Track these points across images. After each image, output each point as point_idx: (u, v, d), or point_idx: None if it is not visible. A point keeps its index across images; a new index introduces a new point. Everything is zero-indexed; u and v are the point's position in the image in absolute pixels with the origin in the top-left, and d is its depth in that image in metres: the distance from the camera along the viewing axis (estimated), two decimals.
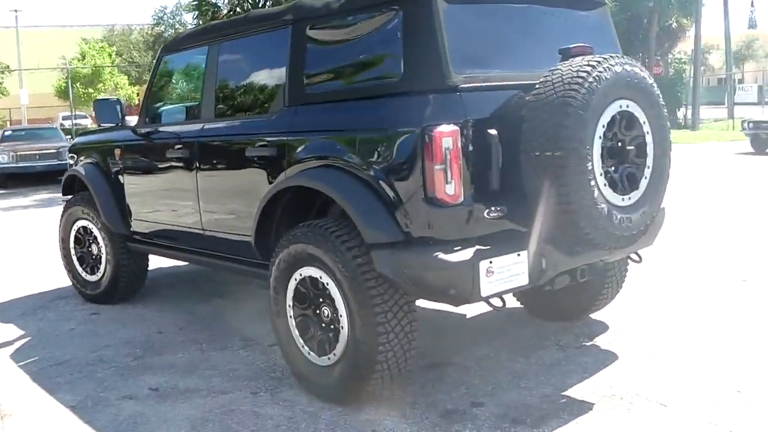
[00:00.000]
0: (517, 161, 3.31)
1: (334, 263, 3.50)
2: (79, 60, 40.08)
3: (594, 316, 4.81)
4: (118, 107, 5.29)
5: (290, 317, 3.85)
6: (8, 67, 32.96)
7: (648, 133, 3.54)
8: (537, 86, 3.33)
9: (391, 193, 3.39)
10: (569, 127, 3.19)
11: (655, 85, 3.57)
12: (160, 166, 5.03)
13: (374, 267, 3.39)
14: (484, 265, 3.28)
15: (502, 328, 4.73)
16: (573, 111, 3.20)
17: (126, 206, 5.42)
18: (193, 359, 4.51)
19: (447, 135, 3.19)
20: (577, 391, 3.69)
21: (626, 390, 3.67)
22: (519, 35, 3.70)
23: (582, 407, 3.51)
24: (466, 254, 3.25)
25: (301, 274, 3.73)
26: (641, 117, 3.51)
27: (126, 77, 39.22)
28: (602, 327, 4.63)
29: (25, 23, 44.61)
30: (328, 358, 3.68)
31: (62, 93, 40.54)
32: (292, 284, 3.80)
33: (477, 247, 3.30)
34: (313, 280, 3.67)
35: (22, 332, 5.30)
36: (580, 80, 3.25)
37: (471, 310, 5.11)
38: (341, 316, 3.54)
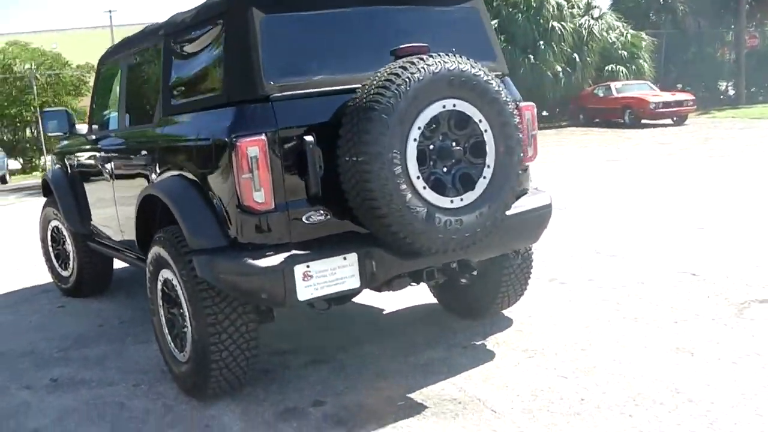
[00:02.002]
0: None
1: (176, 267, 3.65)
2: None
3: (508, 313, 4.72)
4: (66, 116, 5.63)
5: (161, 316, 4.02)
6: (94, 66, 34.51)
7: (486, 131, 3.47)
8: (357, 91, 3.34)
9: (215, 201, 3.50)
10: (371, 132, 3.19)
11: (494, 81, 3.47)
12: (94, 171, 5.32)
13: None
14: (300, 269, 3.32)
15: (408, 325, 4.73)
16: (376, 115, 3.20)
17: (84, 208, 5.75)
18: (108, 352, 4.76)
19: (252, 144, 3.26)
20: (421, 394, 3.66)
21: (472, 395, 3.61)
22: (354, 39, 3.69)
23: (412, 411, 3.49)
24: (275, 259, 3.31)
25: (163, 276, 3.89)
26: (476, 116, 3.44)
27: None
28: (504, 325, 4.54)
29: (119, 22, 46.72)
30: (183, 355, 3.83)
31: None
32: (159, 285, 3.97)
33: (292, 252, 3.35)
34: (169, 282, 3.82)
35: None
36: (387, 83, 3.24)
37: (390, 305, 5.15)
38: (186, 316, 3.69)
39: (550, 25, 25.00)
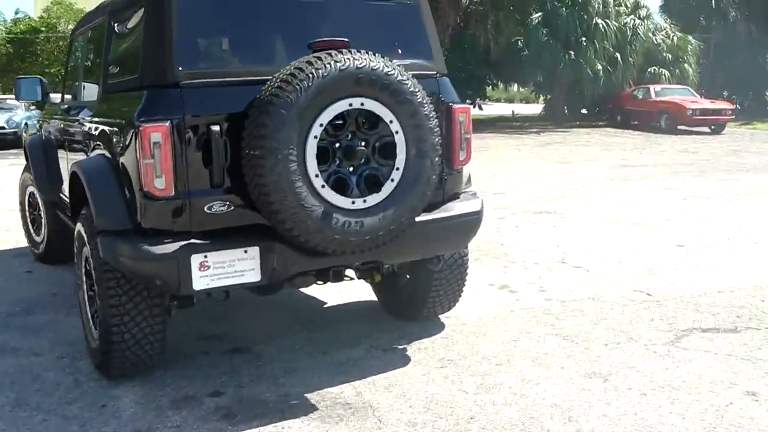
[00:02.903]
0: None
1: (89, 246, 3.68)
2: None
3: (445, 317, 4.67)
4: (38, 85, 5.69)
5: (84, 292, 4.05)
6: None
7: (397, 132, 3.41)
8: (266, 84, 3.30)
9: (125, 184, 3.50)
10: (268, 126, 3.17)
11: (409, 81, 3.40)
12: (60, 140, 5.38)
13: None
14: (196, 258, 3.32)
15: (343, 321, 4.71)
16: (274, 110, 3.17)
17: (55, 176, 5.82)
18: (49, 322, 4.83)
19: (155, 130, 3.24)
20: (318, 395, 3.64)
21: (366, 401, 3.57)
22: (276, 30, 3.65)
23: (300, 411, 3.47)
24: (171, 247, 3.30)
25: (84, 253, 3.92)
26: (386, 116, 3.38)
27: None
28: (434, 331, 4.48)
29: None
30: (96, 334, 3.86)
31: None
32: (83, 261, 4.00)
33: (190, 241, 3.34)
34: (88, 260, 3.86)
35: None
36: (290, 78, 3.20)
37: (332, 298, 5.13)
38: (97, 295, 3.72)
39: (593, 22, 24.57)
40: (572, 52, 24.49)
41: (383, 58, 3.39)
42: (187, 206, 3.36)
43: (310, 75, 3.20)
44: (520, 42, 25.83)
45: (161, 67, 3.38)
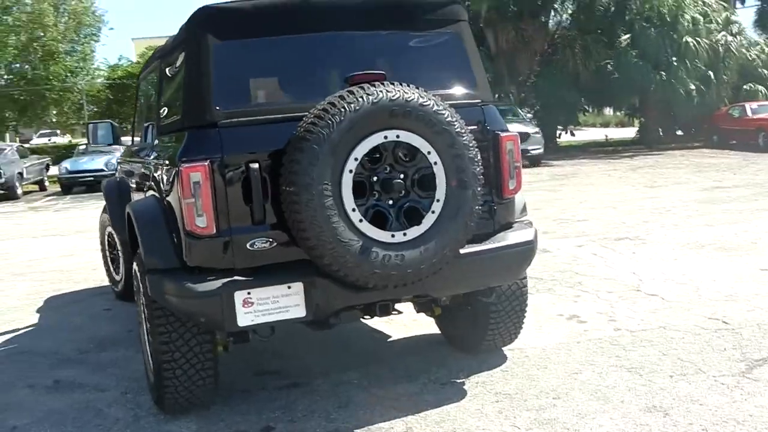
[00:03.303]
0: None
1: (141, 284, 3.78)
2: None
3: (508, 349, 4.54)
4: (110, 129, 5.91)
5: (144, 328, 4.16)
6: None
7: (435, 163, 3.36)
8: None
9: (171, 224, 3.58)
10: (301, 162, 3.19)
11: (445, 111, 3.36)
12: (130, 182, 5.58)
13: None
14: (240, 295, 3.35)
15: (403, 355, 4.65)
16: (306, 146, 3.19)
17: None
18: (119, 358, 4.98)
19: (195, 170, 3.31)
20: (368, 431, 3.58)
21: None
22: (314, 66, 3.68)
23: None
24: (214, 284, 3.35)
25: (140, 291, 4.03)
26: (424, 147, 3.35)
27: None
28: (494, 363, 4.36)
29: None
30: (151, 371, 3.95)
31: None
32: (140, 299, 4.11)
33: (234, 278, 3.38)
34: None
35: (36, 323, 6.13)
36: (322, 113, 3.22)
37: (398, 332, 5.08)
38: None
39: (683, 41, 23.85)
40: (663, 73, 23.79)
41: (419, 89, 3.36)
42: (230, 244, 3.40)
43: (342, 109, 3.21)
44: (609, 65, 25.34)
45: (200, 109, 3.46)
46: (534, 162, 19.26)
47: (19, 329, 5.94)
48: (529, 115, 23.88)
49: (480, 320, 4.34)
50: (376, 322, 5.29)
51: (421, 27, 3.89)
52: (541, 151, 19.75)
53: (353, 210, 3.26)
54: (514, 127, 18.31)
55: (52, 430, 3.87)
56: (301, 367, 4.54)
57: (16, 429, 3.90)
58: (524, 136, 19.12)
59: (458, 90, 3.86)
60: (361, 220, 3.28)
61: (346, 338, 5.04)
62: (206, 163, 3.33)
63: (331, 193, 3.20)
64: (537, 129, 20.54)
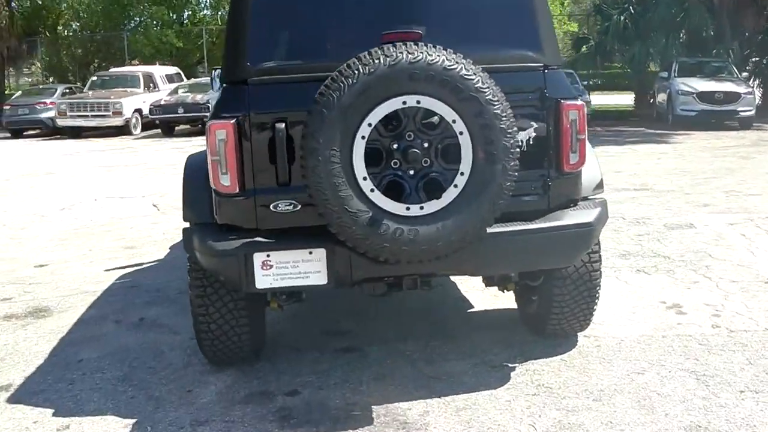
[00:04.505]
0: None
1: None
2: None
3: (583, 335, 4.19)
4: None
5: None
6: None
7: (461, 133, 3.09)
8: None
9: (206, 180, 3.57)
10: (309, 126, 3.05)
11: (475, 76, 3.05)
12: None
13: None
14: (259, 257, 3.31)
15: (475, 330, 4.42)
16: (316, 109, 3.04)
17: None
18: None
19: (220, 128, 3.28)
20: (385, 408, 3.45)
21: (424, 423, 3.30)
22: (358, 23, 3.46)
23: (354, 424, 3.33)
24: (233, 244, 3.33)
25: None
26: (448, 115, 3.08)
27: (576, 24, 39.25)
28: (559, 350, 4.02)
29: None
30: None
31: None
32: None
33: (254, 239, 3.34)
34: None
35: (162, 258, 6.53)
36: (336, 75, 3.05)
37: (485, 303, 4.85)
38: None
39: None
40: None
41: (448, 50, 3.07)
42: (253, 204, 3.35)
43: (356, 71, 3.00)
44: None
45: (234, 64, 3.42)
46: (744, 125, 17.40)
47: (143, 263, 6.35)
48: (744, 74, 21.52)
49: (543, 303, 4.01)
50: (466, 288, 5.08)
51: None
52: (752, 113, 17.77)
53: (364, 179, 3.08)
54: (725, 86, 16.47)
55: (111, 365, 4.11)
56: (368, 331, 4.46)
57: (81, 361, 4.18)
58: (734, 96, 17.40)
59: (516, 52, 3.49)
60: (372, 190, 3.09)
61: (427, 303, 4.87)
62: (232, 121, 3.27)
63: (339, 159, 3.04)
64: (749, 89, 18.51)
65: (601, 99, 25.72)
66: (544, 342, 4.13)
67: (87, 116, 20.81)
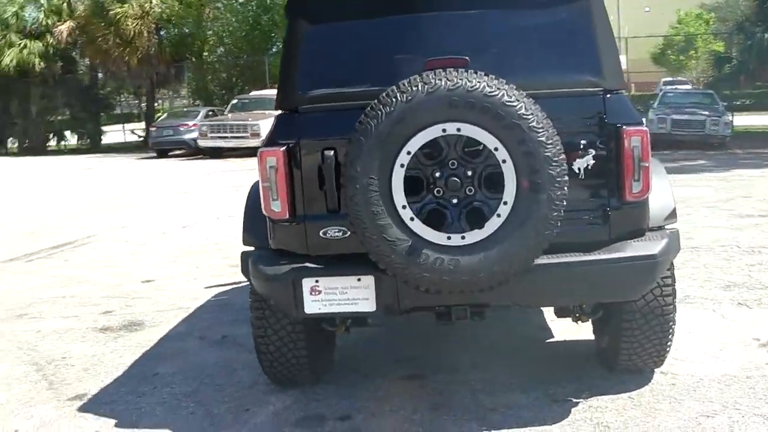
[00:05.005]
0: None
1: None
2: (673, 27, 40.41)
3: (659, 372, 3.96)
4: None
5: None
6: None
7: (504, 161, 3.01)
8: None
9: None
10: (349, 154, 3.07)
11: (519, 103, 2.97)
12: None
13: None
14: (308, 282, 3.37)
15: (543, 360, 4.29)
16: (354, 137, 3.06)
17: None
18: None
19: (271, 155, 3.37)
20: None
21: None
22: (407, 49, 3.44)
23: None
24: (283, 269, 3.39)
25: None
26: (490, 143, 3.01)
27: (722, 43, 37.53)
28: (629, 387, 3.81)
29: None
30: None
31: (658, 59, 41.62)
32: None
33: (304, 264, 3.39)
34: None
35: None
36: (375, 103, 3.06)
37: (566, 333, 4.69)
38: None
39: None
40: None
41: (490, 76, 3.00)
42: (303, 230, 3.41)
43: (394, 100, 3.00)
44: None
45: (286, 93, 3.50)
46: None
47: (241, 282, 6.55)
48: None
49: (613, 336, 3.82)
50: (551, 317, 4.92)
51: (539, 2, 3.45)
52: None
53: (404, 207, 3.06)
54: None
55: (183, 380, 4.27)
56: (438, 359, 4.40)
57: (156, 375, 4.37)
58: None
59: (573, 77, 3.37)
60: (412, 219, 3.06)
61: (503, 331, 4.76)
62: (283, 149, 3.35)
63: (378, 187, 3.03)
64: None
65: (748, 120, 24.28)
66: (617, 378, 3.93)
67: (226, 137, 21.75)
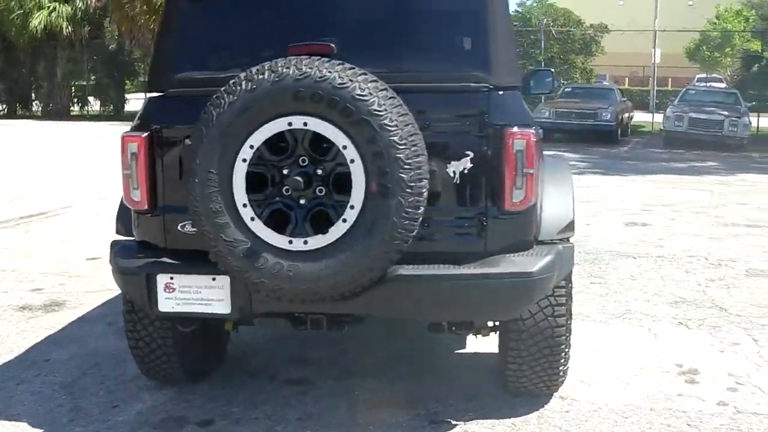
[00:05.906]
0: None
1: None
2: (711, 23, 39.24)
3: (559, 397, 3.70)
4: (550, 78, 4.52)
5: None
6: (606, 27, 33.60)
7: (353, 161, 2.75)
8: None
9: None
10: (191, 144, 2.84)
11: (371, 98, 2.70)
12: None
13: None
14: (162, 278, 3.16)
15: (443, 375, 4.03)
16: (197, 127, 2.83)
17: None
18: None
19: (132, 141, 3.16)
20: None
21: None
22: (288, 30, 3.17)
23: None
24: (136, 262, 3.19)
25: None
26: (339, 140, 2.75)
27: (760, 42, 36.41)
28: (520, 411, 3.55)
29: None
30: None
31: (692, 55, 40.54)
32: None
33: (160, 259, 3.18)
34: None
35: None
36: (221, 91, 2.81)
37: (477, 345, 4.36)
38: None
39: None
40: None
41: (345, 65, 2.73)
42: (162, 222, 3.19)
43: (238, 88, 2.75)
44: None
45: (157, 74, 3.33)
46: None
47: None
48: None
49: (502, 357, 3.56)
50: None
51: None
52: None
53: (244, 206, 2.82)
54: None
55: (69, 369, 4.08)
56: (335, 364, 4.17)
57: (48, 362, 4.19)
58: None
59: (455, 69, 3.08)
60: (253, 219, 2.83)
61: (416, 336, 4.49)
62: (144, 135, 3.13)
63: (217, 183, 2.80)
64: None
65: None
66: (511, 400, 3.66)
67: None
